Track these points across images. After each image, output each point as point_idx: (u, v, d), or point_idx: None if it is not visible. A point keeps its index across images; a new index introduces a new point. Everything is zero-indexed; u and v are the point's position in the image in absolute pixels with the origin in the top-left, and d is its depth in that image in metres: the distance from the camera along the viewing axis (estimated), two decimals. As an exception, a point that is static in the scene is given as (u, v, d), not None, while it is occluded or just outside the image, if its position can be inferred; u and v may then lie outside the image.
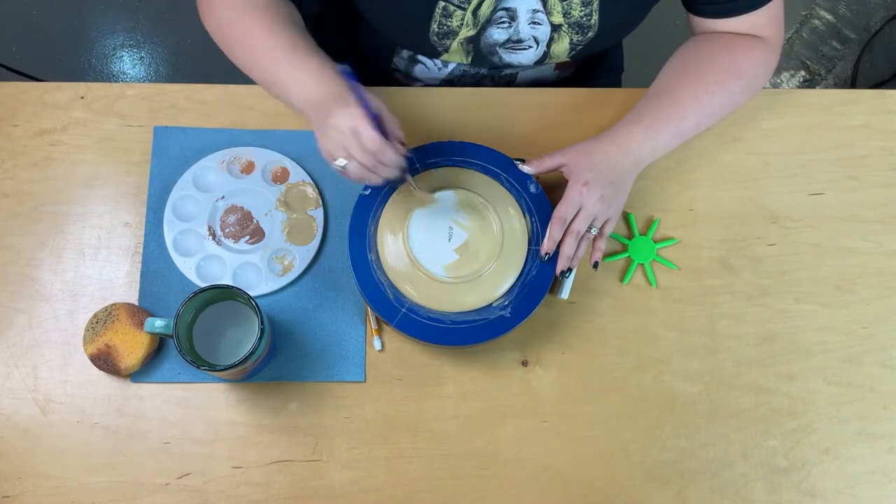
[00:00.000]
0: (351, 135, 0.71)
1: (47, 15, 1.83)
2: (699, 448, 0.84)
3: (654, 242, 0.90)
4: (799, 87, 1.92)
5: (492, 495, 0.82)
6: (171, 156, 0.90)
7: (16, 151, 0.90)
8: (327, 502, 0.81)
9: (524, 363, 0.86)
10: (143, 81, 1.81)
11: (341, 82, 0.75)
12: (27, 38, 1.80)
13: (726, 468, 0.83)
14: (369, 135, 0.70)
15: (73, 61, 1.81)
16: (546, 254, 0.81)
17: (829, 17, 1.97)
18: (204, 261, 0.86)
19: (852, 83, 1.92)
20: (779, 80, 1.93)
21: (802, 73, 1.94)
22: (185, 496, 0.80)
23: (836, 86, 1.91)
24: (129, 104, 0.92)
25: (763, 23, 0.88)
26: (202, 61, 1.81)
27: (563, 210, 0.80)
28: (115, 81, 1.76)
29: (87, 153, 0.90)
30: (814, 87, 1.92)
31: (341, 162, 0.72)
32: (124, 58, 1.83)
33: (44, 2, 1.83)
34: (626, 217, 0.91)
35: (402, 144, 0.74)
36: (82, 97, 0.92)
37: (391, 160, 0.72)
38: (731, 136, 0.95)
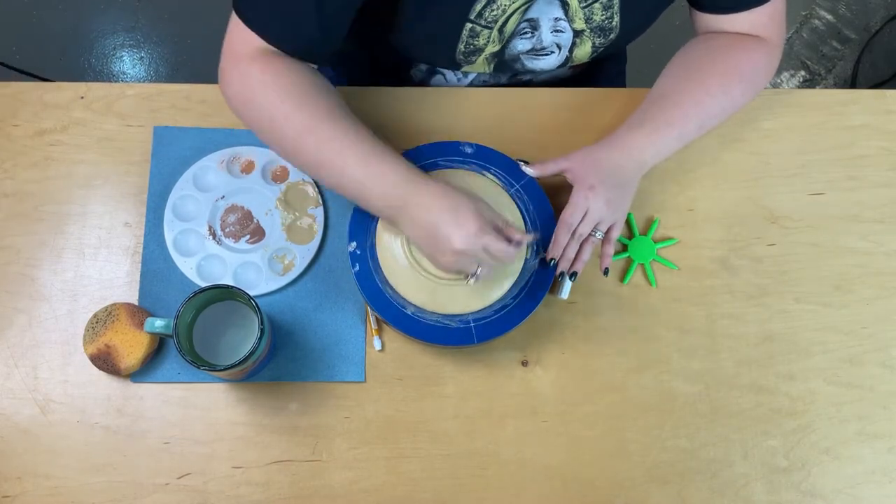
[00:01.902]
0: (482, 251, 0.71)
1: (47, 15, 1.83)
2: (699, 448, 0.84)
3: (654, 242, 0.90)
4: (799, 87, 1.92)
5: (492, 495, 0.82)
6: (171, 156, 0.90)
7: (16, 151, 0.90)
8: (327, 502, 0.81)
9: (524, 363, 0.86)
10: (143, 81, 1.81)
11: (438, 188, 0.73)
12: (27, 38, 1.80)
13: (726, 468, 0.83)
14: (499, 248, 0.71)
15: (73, 61, 1.81)
16: (551, 259, 0.81)
17: (829, 17, 1.97)
18: (204, 260, 0.86)
19: (852, 83, 1.91)
20: (779, 80, 1.93)
21: (802, 73, 1.94)
22: (185, 496, 0.80)
23: (836, 86, 1.91)
24: (129, 104, 0.92)
25: (765, 22, 0.88)
26: (202, 61, 1.80)
27: (568, 215, 0.80)
28: (115, 81, 1.76)
29: (87, 153, 0.90)
30: (814, 87, 1.92)
31: (476, 273, 0.74)
32: (124, 58, 1.83)
33: (44, 2, 1.83)
34: (626, 217, 0.91)
35: (531, 233, 0.77)
36: (82, 97, 0.92)
37: (513, 256, 0.73)
38: (731, 136, 0.95)
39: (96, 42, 1.83)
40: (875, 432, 0.85)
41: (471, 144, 0.86)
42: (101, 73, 1.81)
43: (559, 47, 0.88)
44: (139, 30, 1.84)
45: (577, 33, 0.86)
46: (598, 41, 0.87)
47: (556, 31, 0.85)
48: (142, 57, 1.83)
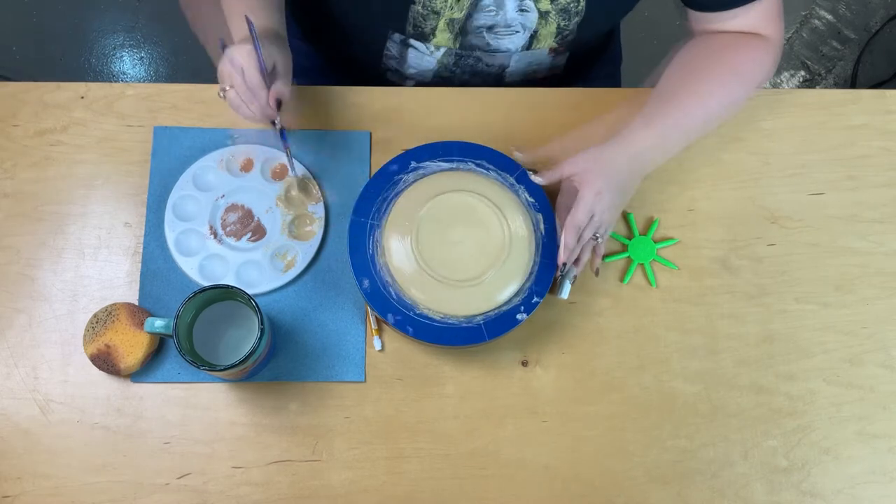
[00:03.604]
0: (237, 69, 0.77)
1: (47, 15, 1.83)
2: (699, 448, 0.84)
3: (654, 242, 0.90)
4: (799, 87, 1.92)
5: (492, 495, 0.82)
6: (171, 156, 0.90)
7: (16, 151, 0.90)
8: (327, 502, 0.81)
9: (524, 363, 0.86)
10: (143, 81, 1.81)
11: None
12: (27, 38, 1.80)
13: (726, 468, 0.83)
14: (251, 73, 0.77)
15: (73, 61, 1.81)
16: (564, 264, 0.81)
17: (829, 17, 1.97)
18: (206, 260, 0.86)
19: (852, 83, 1.92)
20: (779, 80, 1.93)
21: (802, 73, 1.94)
22: (185, 496, 0.80)
23: (836, 86, 1.91)
24: (129, 104, 0.92)
25: (763, 19, 0.87)
26: (202, 61, 1.80)
27: (577, 218, 0.80)
28: (115, 81, 1.76)
29: (87, 153, 0.90)
30: (814, 87, 1.92)
31: (224, 89, 0.79)
32: (124, 58, 1.83)
33: (44, 2, 1.83)
34: (626, 217, 0.91)
35: (279, 101, 0.80)
36: (82, 97, 0.92)
37: (262, 102, 0.78)
38: (731, 136, 0.95)
39: (96, 42, 1.83)
40: (875, 432, 0.85)
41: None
42: (101, 73, 1.81)
43: (524, 27, 0.88)
44: (139, 30, 1.84)
45: (543, 14, 0.86)
46: (562, 23, 0.87)
47: (521, 10, 0.85)
48: (142, 57, 1.83)
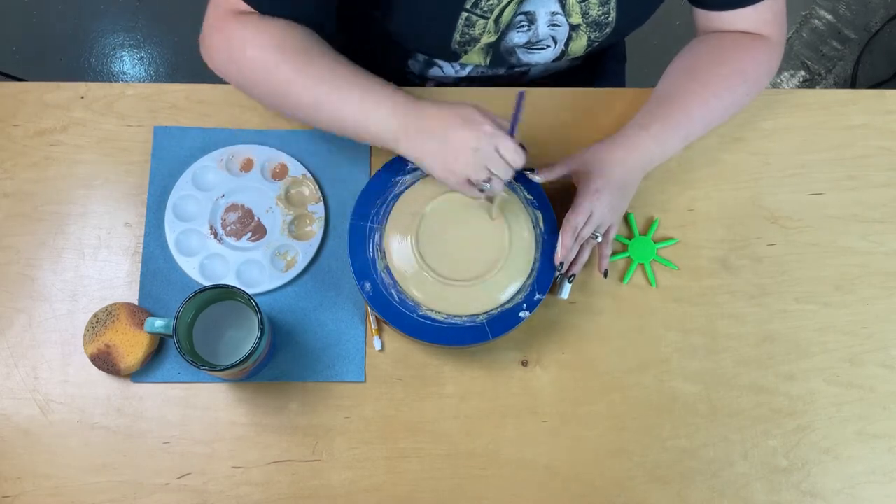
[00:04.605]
0: (495, 152, 0.71)
1: (47, 15, 1.83)
2: (699, 448, 0.84)
3: (654, 242, 0.90)
4: (799, 87, 1.92)
5: (492, 495, 0.82)
6: (171, 156, 0.90)
7: (16, 151, 0.90)
8: (327, 502, 0.81)
9: (524, 363, 0.86)
10: (143, 81, 1.81)
11: (448, 105, 0.74)
12: (27, 38, 1.80)
13: (726, 468, 0.83)
14: (510, 146, 0.70)
15: (73, 61, 1.81)
16: (560, 263, 0.81)
17: (829, 17, 1.98)
18: (207, 259, 0.86)
19: (852, 83, 1.92)
20: (779, 80, 1.93)
21: (802, 73, 1.94)
22: (185, 496, 0.80)
23: (836, 86, 1.91)
24: (129, 104, 0.92)
25: (767, 19, 0.87)
26: (202, 61, 1.80)
27: (574, 218, 0.80)
28: (115, 81, 1.76)
29: (87, 153, 0.90)
30: (814, 87, 1.92)
31: (487, 183, 0.72)
32: (124, 58, 1.83)
33: (44, 2, 1.83)
34: (626, 217, 0.91)
35: (521, 146, 0.73)
36: (82, 97, 0.92)
37: (522, 164, 0.72)
38: (731, 136, 0.95)
39: (96, 42, 1.83)
40: (875, 432, 0.85)
41: None
42: (101, 73, 1.81)
43: (555, 41, 0.88)
44: (139, 30, 1.84)
45: (573, 27, 0.86)
46: (593, 35, 0.87)
47: (553, 24, 0.85)
48: (142, 57, 1.83)
